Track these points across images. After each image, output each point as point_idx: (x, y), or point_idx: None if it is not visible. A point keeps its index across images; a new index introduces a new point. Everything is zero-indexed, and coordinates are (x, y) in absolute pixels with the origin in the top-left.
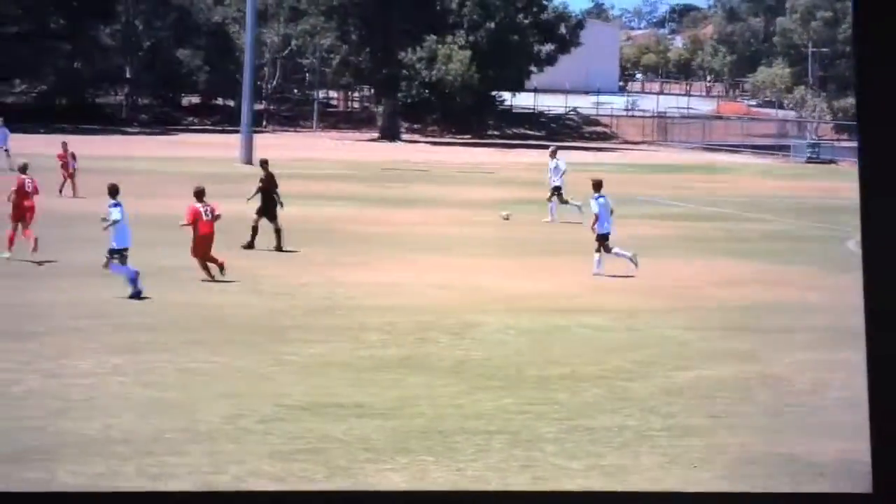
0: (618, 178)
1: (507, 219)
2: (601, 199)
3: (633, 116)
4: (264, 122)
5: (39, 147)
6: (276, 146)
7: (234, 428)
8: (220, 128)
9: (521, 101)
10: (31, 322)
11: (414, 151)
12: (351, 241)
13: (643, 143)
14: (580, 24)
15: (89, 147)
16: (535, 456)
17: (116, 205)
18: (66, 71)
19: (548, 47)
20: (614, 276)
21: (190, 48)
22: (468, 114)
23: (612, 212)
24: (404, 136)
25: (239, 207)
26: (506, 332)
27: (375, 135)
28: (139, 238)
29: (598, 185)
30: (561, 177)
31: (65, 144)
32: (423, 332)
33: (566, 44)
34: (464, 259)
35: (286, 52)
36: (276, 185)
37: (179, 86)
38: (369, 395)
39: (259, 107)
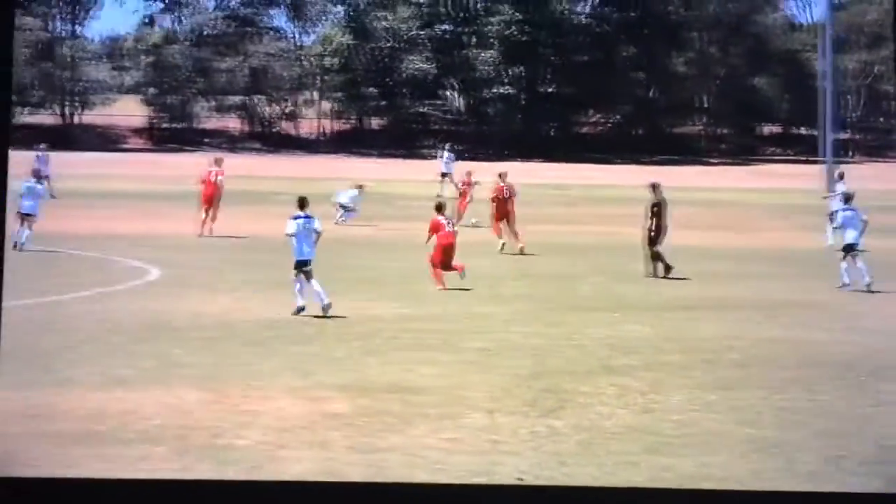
0: None
1: None
2: (848, 213)
3: None
4: (850, 153)
5: (621, 178)
6: (860, 177)
7: (835, 469)
8: (801, 158)
9: None
10: (624, 356)
11: None
12: None
13: None
14: None
15: (668, 177)
16: None
17: (296, 217)
18: (641, 100)
19: None
20: None
21: (766, 76)
22: None
23: (864, 223)
24: None
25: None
26: None
27: None
28: (726, 270)
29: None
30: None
31: (469, 174)
32: None
33: None
34: None
35: (868, 79)
36: (665, 211)
37: (757, 115)
38: None
39: (843, 136)
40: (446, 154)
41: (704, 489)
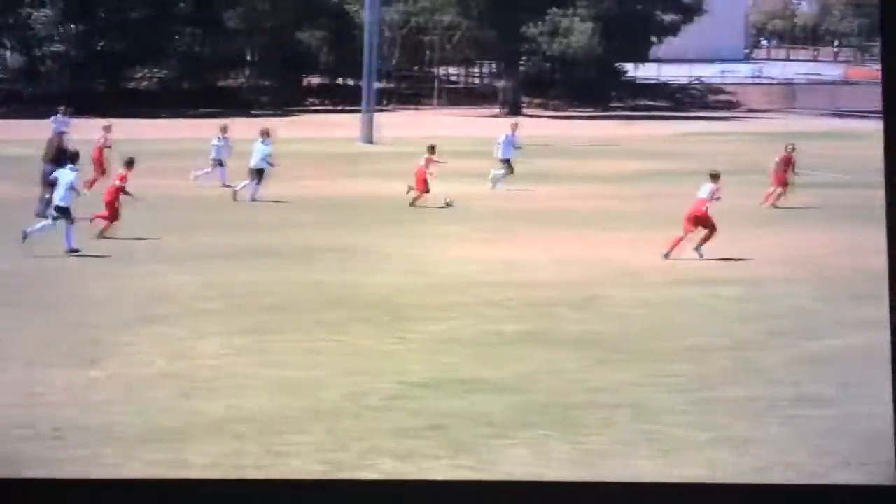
0: (743, 148)
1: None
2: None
3: (759, 84)
4: (384, 101)
5: (168, 132)
6: (397, 125)
7: (356, 406)
8: (342, 108)
9: (644, 72)
10: (159, 305)
11: (536, 126)
12: (478, 218)
13: (769, 110)
14: None
15: (214, 130)
16: (659, 429)
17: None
18: (188, 55)
19: (671, 17)
20: (741, 249)
21: (312, 29)
22: (591, 86)
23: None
24: (526, 111)
25: (359, 187)
26: (630, 306)
27: (497, 110)
28: (270, 220)
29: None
30: None
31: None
32: (547, 306)
33: (691, 12)
34: (588, 233)
35: (406, 29)
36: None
37: (302, 67)
38: (491, 371)
39: (381, 85)
40: (59, 117)
41: (621, 482)
